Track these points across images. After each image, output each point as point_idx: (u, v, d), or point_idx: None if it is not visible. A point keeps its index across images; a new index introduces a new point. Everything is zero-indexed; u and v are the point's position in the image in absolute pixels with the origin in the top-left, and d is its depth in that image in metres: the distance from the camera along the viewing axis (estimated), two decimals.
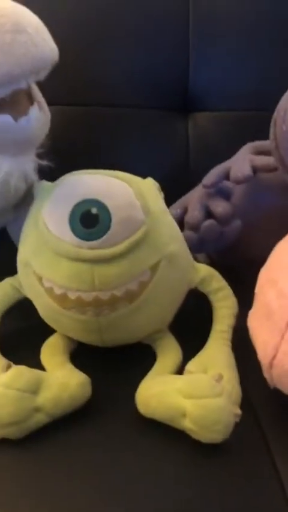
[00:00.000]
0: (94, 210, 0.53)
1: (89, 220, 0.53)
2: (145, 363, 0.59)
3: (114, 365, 0.60)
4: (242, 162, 0.67)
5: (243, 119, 0.91)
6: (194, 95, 0.91)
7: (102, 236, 0.53)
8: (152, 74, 0.89)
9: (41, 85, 0.61)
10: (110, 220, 0.53)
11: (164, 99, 0.90)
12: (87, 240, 0.53)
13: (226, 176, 0.68)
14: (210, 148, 0.91)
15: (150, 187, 0.59)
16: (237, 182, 0.67)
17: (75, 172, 0.57)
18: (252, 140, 0.75)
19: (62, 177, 0.58)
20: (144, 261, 0.55)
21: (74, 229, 0.53)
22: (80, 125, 0.87)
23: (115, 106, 0.89)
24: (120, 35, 0.89)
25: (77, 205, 0.53)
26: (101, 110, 0.89)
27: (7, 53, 0.48)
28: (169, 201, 0.63)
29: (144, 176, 0.60)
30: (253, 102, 0.91)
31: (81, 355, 0.61)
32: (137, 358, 0.60)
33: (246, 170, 0.65)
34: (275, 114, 0.62)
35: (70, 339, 0.61)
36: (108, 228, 0.53)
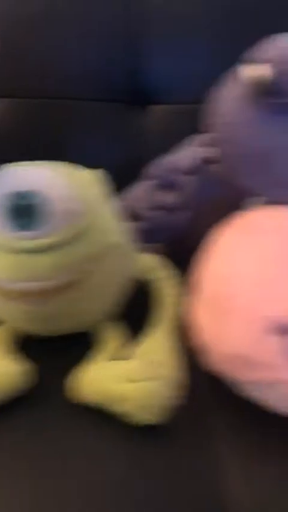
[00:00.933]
0: (31, 201, 0.53)
1: (27, 211, 0.53)
2: (89, 351, 0.60)
3: (59, 353, 0.61)
4: (186, 153, 0.68)
5: (197, 111, 0.92)
6: (148, 88, 0.92)
7: (40, 227, 0.54)
8: (107, 66, 0.90)
9: None
10: (48, 211, 0.53)
11: (118, 92, 0.91)
12: (25, 231, 0.53)
13: (172, 168, 0.69)
14: (165, 140, 0.91)
15: (91, 178, 0.60)
16: (184, 173, 0.68)
17: (14, 164, 0.58)
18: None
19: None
20: (85, 251, 0.56)
21: (11, 221, 0.53)
22: (31, 117, 0.88)
23: (70, 98, 0.90)
24: (70, 25, 0.89)
25: (14, 197, 0.54)
26: (54, 102, 0.89)
27: None
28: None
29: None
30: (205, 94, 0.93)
31: (26, 344, 0.62)
32: (82, 347, 0.61)
33: (192, 161, 0.67)
34: None
35: (15, 329, 0.62)
36: (46, 219, 0.54)
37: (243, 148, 0.61)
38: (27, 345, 0.61)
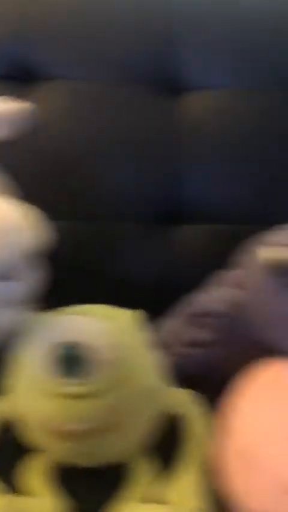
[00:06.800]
0: (79, 352, 0.59)
1: (74, 360, 0.59)
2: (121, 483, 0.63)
3: (94, 483, 0.64)
4: (218, 295, 0.73)
5: (231, 231, 0.96)
6: (182, 208, 0.97)
7: (85, 375, 0.59)
8: (142, 188, 0.96)
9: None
10: (93, 361, 0.59)
11: (152, 212, 0.97)
12: (72, 378, 0.59)
13: (204, 312, 0.73)
14: (197, 259, 0.97)
15: (130, 321, 0.65)
16: (216, 316, 0.72)
17: (54, 313, 0.66)
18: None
19: (44, 316, 0.66)
20: (125, 396, 0.62)
21: (59, 369, 0.59)
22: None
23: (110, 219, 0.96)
24: (110, 149, 0.96)
25: (63, 347, 0.60)
26: (97, 224, 0.96)
27: None
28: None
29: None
30: (242, 215, 0.98)
31: (62, 475, 0.65)
32: (115, 477, 0.64)
33: (223, 305, 0.71)
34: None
35: (53, 460, 0.65)
36: (91, 367, 0.59)
37: (269, 314, 0.66)
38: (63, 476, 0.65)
